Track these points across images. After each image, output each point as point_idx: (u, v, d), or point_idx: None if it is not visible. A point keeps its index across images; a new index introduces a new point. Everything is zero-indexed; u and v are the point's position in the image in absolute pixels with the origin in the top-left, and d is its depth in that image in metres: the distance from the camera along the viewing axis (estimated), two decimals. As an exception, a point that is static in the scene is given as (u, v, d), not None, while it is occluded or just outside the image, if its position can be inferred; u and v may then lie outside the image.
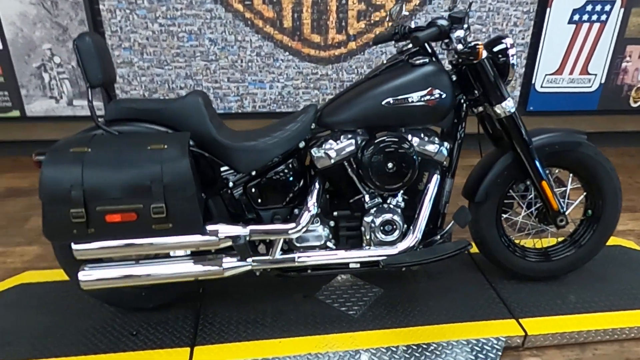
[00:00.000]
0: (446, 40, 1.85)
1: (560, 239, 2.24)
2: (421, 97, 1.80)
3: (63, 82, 3.54)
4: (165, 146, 1.61)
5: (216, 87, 3.67)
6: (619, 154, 4.02)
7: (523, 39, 3.72)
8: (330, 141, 1.87)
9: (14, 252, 2.49)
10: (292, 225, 1.81)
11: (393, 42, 2.03)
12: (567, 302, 2.10)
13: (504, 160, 2.01)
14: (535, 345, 1.96)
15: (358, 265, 1.95)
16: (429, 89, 1.80)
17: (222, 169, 1.88)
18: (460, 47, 1.75)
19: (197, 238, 1.72)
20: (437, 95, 1.81)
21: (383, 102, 1.80)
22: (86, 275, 1.73)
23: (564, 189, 2.11)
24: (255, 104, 3.75)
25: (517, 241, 2.21)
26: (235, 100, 3.71)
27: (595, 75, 3.84)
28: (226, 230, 1.74)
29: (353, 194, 1.96)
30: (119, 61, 3.48)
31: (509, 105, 1.88)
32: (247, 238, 1.76)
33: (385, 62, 1.93)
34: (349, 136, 1.87)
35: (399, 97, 1.80)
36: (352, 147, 1.86)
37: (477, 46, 1.71)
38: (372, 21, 3.58)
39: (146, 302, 1.99)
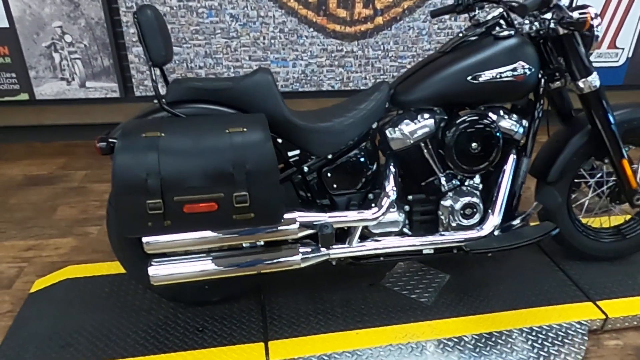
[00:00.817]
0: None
1: (627, 217, 2.18)
2: (509, 71, 1.69)
3: (75, 63, 3.33)
4: (245, 129, 1.48)
5: (237, 66, 3.50)
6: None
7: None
8: (407, 121, 1.75)
9: (47, 245, 2.33)
10: (374, 210, 1.70)
11: (451, 15, 1.92)
12: (638, 283, 2.05)
13: (579, 137, 1.93)
14: (615, 328, 1.90)
15: (432, 252, 1.86)
16: (517, 63, 1.69)
17: (290, 153, 1.75)
18: (576, 15, 1.62)
19: (277, 227, 1.60)
20: (524, 70, 1.70)
21: (468, 78, 1.69)
22: (157, 270, 1.60)
23: (635, 166, 2.04)
24: (277, 83, 3.59)
25: (584, 221, 2.14)
26: (257, 79, 3.54)
27: (623, 49, 3.77)
28: (308, 218, 1.63)
29: (426, 176, 1.86)
30: (134, 39, 3.28)
31: (594, 80, 1.78)
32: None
33: (461, 35, 1.81)
34: (426, 115, 1.76)
35: (486, 72, 1.68)
36: (432, 127, 1.75)
37: (585, 15, 1.59)
38: (401, -6, 3.43)
39: (210, 296, 1.86)
